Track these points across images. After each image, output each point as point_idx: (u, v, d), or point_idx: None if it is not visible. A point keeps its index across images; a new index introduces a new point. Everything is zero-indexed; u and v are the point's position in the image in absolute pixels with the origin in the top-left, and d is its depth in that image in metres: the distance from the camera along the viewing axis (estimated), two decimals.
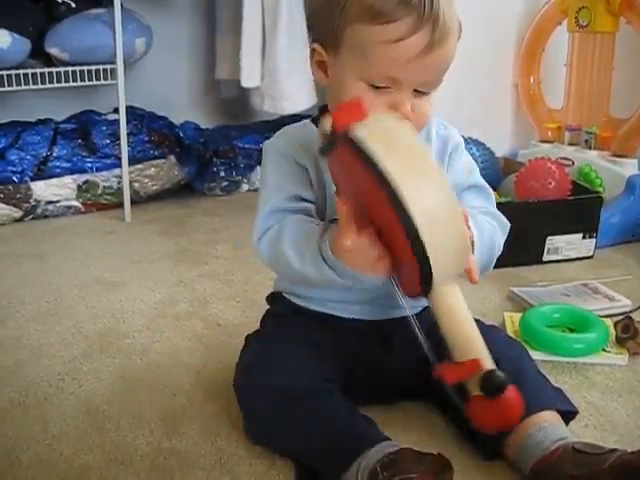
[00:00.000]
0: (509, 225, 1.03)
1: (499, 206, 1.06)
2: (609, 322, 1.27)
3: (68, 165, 1.97)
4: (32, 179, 1.93)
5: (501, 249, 1.01)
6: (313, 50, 0.94)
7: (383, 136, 0.75)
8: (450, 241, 0.74)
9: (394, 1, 0.84)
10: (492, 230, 0.99)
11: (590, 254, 1.71)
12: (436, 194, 0.73)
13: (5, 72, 1.80)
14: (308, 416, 0.90)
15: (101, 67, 1.88)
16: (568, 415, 0.96)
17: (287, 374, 0.93)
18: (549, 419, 0.91)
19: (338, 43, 0.90)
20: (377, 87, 0.89)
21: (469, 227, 0.87)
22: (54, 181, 1.96)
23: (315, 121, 1.00)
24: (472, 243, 0.88)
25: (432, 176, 0.74)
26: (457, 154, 1.03)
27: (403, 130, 0.78)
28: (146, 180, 2.05)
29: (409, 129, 0.79)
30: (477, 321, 1.00)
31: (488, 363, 0.79)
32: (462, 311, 0.81)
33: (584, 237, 1.69)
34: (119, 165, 1.96)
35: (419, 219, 0.71)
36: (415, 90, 0.89)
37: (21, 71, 1.82)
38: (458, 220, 0.75)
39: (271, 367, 0.96)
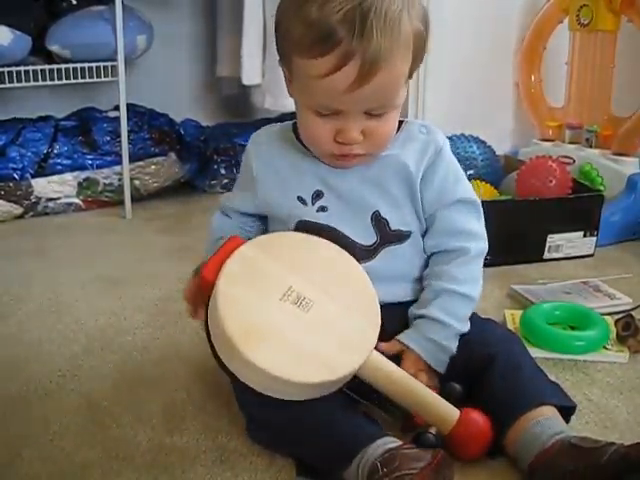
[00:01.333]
0: (486, 248, 1.04)
1: (500, 204, 1.06)
2: (610, 320, 1.27)
3: (69, 162, 1.97)
4: (33, 176, 1.93)
5: (481, 282, 1.03)
6: (282, 68, 0.97)
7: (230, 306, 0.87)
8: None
9: (319, 35, 0.84)
10: (460, 313, 1.00)
11: (591, 252, 1.71)
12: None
13: (6, 69, 1.80)
14: (307, 414, 0.89)
15: (102, 64, 1.88)
16: (567, 410, 0.95)
17: None
18: (546, 413, 0.90)
19: (290, 68, 0.93)
20: (322, 114, 0.91)
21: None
22: (55, 178, 1.96)
23: (295, 125, 1.03)
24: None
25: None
26: (440, 159, 1.02)
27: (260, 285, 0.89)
28: (147, 177, 2.05)
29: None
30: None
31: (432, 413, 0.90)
32: (396, 373, 0.92)
33: (585, 235, 1.69)
34: (120, 162, 1.96)
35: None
36: (367, 113, 0.91)
37: (22, 68, 1.82)
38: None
39: None
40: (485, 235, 1.05)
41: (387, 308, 0.96)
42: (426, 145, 1.01)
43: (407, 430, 0.93)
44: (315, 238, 0.97)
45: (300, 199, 1.01)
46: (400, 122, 1.00)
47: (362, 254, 1.00)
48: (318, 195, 1.00)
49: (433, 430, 0.89)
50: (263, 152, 1.04)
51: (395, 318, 1.00)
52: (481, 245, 1.04)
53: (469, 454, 0.91)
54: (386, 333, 1.00)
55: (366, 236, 1.00)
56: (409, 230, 1.02)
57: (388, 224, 1.01)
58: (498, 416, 0.92)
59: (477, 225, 1.04)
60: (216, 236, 1.08)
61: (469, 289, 1.01)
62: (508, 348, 0.99)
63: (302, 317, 0.88)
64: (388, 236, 1.01)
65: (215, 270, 0.90)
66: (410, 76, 0.94)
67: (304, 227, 1.00)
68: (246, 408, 0.97)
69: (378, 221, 1.00)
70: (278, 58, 0.97)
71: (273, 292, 0.89)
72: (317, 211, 1.00)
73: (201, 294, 0.93)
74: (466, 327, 1.00)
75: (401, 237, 1.01)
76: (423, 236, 1.04)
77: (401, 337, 0.98)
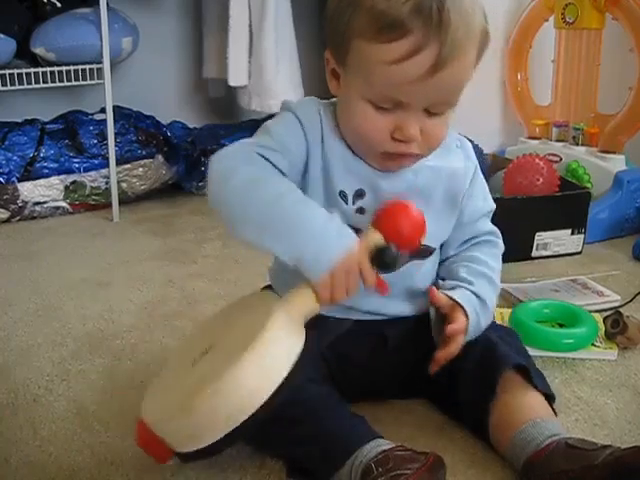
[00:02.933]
0: (503, 247, 1.06)
1: None
2: (598, 317, 1.28)
3: (55, 165, 1.96)
4: (19, 180, 1.91)
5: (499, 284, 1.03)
6: (326, 58, 0.91)
7: None
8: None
9: (392, 20, 0.79)
10: (491, 295, 1.00)
11: (579, 250, 1.71)
12: None
13: None
14: (299, 415, 0.89)
15: (87, 67, 1.87)
16: (548, 399, 0.95)
17: None
18: (541, 414, 0.90)
19: (345, 56, 0.86)
20: (381, 107, 0.85)
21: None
22: (41, 182, 1.94)
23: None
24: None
25: None
26: (477, 176, 1.02)
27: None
28: (134, 180, 2.04)
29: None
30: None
31: None
32: None
33: (573, 233, 1.70)
34: (107, 165, 1.95)
35: None
36: (426, 111, 0.86)
37: (7, 71, 1.81)
38: None
39: None
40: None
41: (392, 322, 0.97)
42: (466, 161, 1.00)
43: None
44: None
45: (342, 195, 0.93)
46: None
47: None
48: (360, 195, 0.94)
49: (393, 247, 0.85)
50: (316, 129, 0.93)
51: (400, 332, 1.00)
52: (502, 246, 1.06)
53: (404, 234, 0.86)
54: (390, 347, 1.00)
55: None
56: (434, 247, 1.01)
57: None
58: (479, 392, 0.93)
59: (491, 233, 1.06)
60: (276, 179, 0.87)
61: (497, 278, 1.02)
62: (493, 332, 1.00)
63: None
64: (418, 250, 0.96)
65: None
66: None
67: None
68: None
69: None
70: (330, 45, 0.89)
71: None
72: (356, 212, 0.94)
73: None
74: (492, 316, 1.01)
75: (426, 253, 1.00)
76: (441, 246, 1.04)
77: (457, 296, 0.96)
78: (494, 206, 1.06)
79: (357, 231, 0.89)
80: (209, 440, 0.77)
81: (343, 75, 0.89)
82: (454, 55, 0.81)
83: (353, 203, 0.94)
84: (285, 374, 0.77)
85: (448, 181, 0.98)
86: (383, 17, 0.79)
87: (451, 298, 0.96)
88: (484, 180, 1.05)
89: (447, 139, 0.96)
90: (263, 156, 0.87)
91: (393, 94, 0.84)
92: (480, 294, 0.97)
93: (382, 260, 0.84)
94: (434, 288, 0.97)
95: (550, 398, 0.96)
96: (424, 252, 0.99)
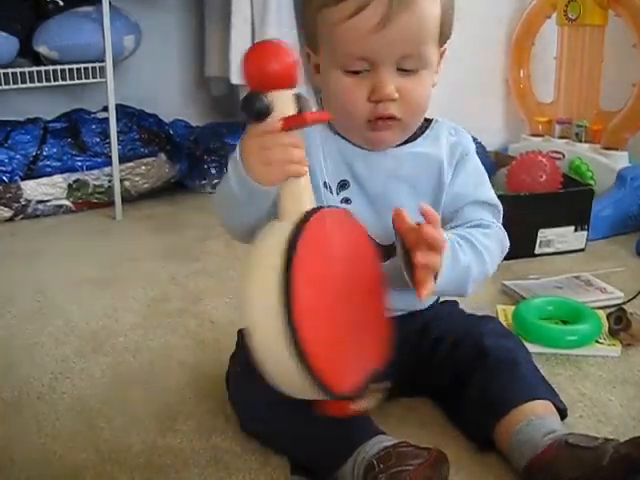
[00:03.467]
0: (506, 239, 1.00)
1: None
2: (602, 314, 1.28)
3: (58, 164, 1.96)
4: (22, 178, 1.92)
5: (493, 268, 0.98)
6: (307, 55, 0.94)
7: None
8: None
9: None
10: (473, 259, 0.93)
11: (582, 247, 1.71)
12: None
13: None
14: (302, 412, 0.89)
15: (90, 65, 1.87)
16: (559, 413, 0.95)
17: None
18: (537, 411, 0.90)
19: (315, 38, 0.91)
20: (356, 72, 0.88)
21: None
22: (44, 180, 1.95)
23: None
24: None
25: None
26: (463, 163, 0.99)
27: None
28: (137, 178, 2.04)
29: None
30: (470, 315, 1.01)
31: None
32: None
33: (576, 230, 1.70)
34: (109, 164, 1.95)
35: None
36: (399, 69, 0.88)
37: (9, 70, 1.81)
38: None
39: None
40: (504, 231, 1.00)
41: (398, 319, 0.93)
42: (455, 147, 0.99)
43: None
44: None
45: (326, 185, 0.96)
46: (430, 120, 0.99)
47: (380, 252, 0.96)
48: (344, 185, 0.96)
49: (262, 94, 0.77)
50: None
51: (406, 329, 0.98)
52: (502, 234, 0.99)
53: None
54: (397, 346, 0.99)
55: (386, 235, 0.96)
56: None
57: None
58: (490, 407, 0.92)
59: (497, 222, 1.00)
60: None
61: (486, 253, 0.94)
62: (506, 344, 0.99)
63: None
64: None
65: None
66: (440, 42, 0.92)
67: None
68: (239, 406, 0.97)
69: None
70: (305, 44, 0.95)
71: None
72: (341, 202, 0.96)
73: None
74: (467, 290, 0.94)
75: None
76: None
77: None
78: (494, 200, 1.01)
79: None
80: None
81: (320, 59, 0.93)
82: (402, 7, 0.84)
83: (337, 193, 0.96)
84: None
85: (433, 168, 0.98)
86: None
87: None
88: (481, 170, 1.02)
89: (440, 127, 0.99)
90: None
91: (356, 50, 0.86)
92: (454, 248, 0.90)
93: (251, 108, 0.77)
94: (400, 210, 0.86)
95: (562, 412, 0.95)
96: None
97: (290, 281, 0.70)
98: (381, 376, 0.83)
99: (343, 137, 0.97)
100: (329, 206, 0.86)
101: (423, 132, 0.98)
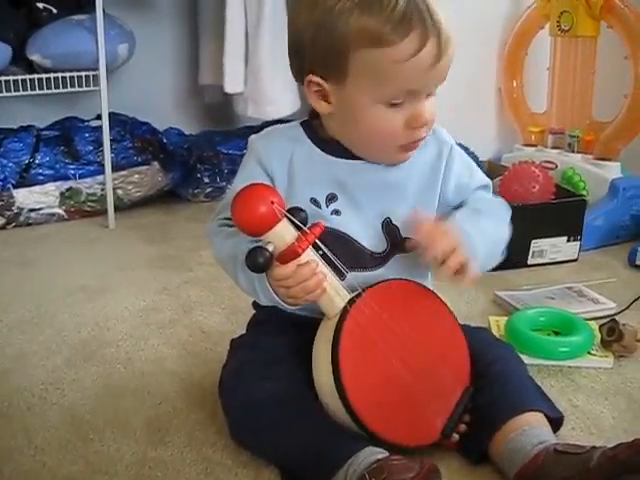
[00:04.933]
0: (509, 209, 1.06)
1: None
2: (594, 325, 1.28)
3: (51, 172, 1.95)
4: (14, 186, 1.91)
5: (506, 237, 1.03)
6: (309, 82, 0.93)
7: None
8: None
9: (394, 23, 0.85)
10: (494, 225, 1.00)
11: (575, 257, 1.71)
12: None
13: None
14: (293, 422, 0.89)
15: (83, 73, 1.87)
16: (555, 422, 0.96)
17: (272, 381, 0.93)
18: (530, 422, 0.90)
19: (343, 71, 0.89)
20: (393, 104, 0.90)
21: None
22: (37, 188, 1.94)
23: (305, 124, 1.00)
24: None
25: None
26: (452, 158, 1.01)
27: None
28: (130, 187, 2.04)
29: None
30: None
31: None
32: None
33: (568, 240, 1.70)
34: (102, 172, 1.95)
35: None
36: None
37: (2, 78, 1.80)
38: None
39: (256, 374, 0.95)
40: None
41: None
42: (439, 147, 1.01)
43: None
44: None
45: (313, 201, 0.97)
46: None
47: (373, 261, 0.99)
48: (332, 198, 0.98)
49: (270, 247, 0.86)
50: (275, 149, 0.99)
51: None
52: (502, 200, 1.06)
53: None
54: None
55: (377, 243, 0.99)
56: None
57: (399, 232, 0.99)
58: (483, 423, 0.92)
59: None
60: (236, 258, 0.94)
61: (495, 217, 1.02)
62: (498, 354, 1.00)
63: None
64: (399, 244, 0.99)
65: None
66: None
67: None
68: (231, 416, 0.97)
69: (389, 228, 0.99)
70: (296, 67, 0.95)
71: None
72: (331, 214, 0.97)
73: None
74: (503, 233, 1.02)
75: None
76: None
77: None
78: (488, 181, 1.06)
79: (335, 232, 0.96)
80: None
81: (339, 91, 0.91)
82: (449, 40, 0.89)
83: (327, 206, 0.97)
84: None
85: (421, 171, 0.99)
86: (387, 22, 0.85)
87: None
88: (467, 158, 1.04)
89: None
90: (226, 224, 0.98)
91: (409, 86, 0.89)
92: (468, 222, 0.96)
93: (256, 264, 0.86)
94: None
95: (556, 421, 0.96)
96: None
97: (335, 359, 0.88)
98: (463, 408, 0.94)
99: (325, 150, 0.98)
100: (370, 286, 0.94)
101: None
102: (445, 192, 1.00)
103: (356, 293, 0.92)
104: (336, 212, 0.97)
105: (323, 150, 0.98)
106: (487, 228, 0.97)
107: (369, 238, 0.98)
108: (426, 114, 0.91)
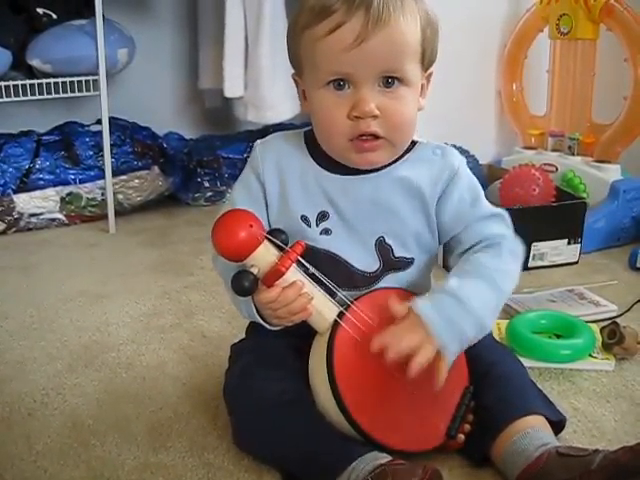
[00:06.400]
0: (521, 248, 0.98)
1: None
2: (595, 328, 1.28)
3: (51, 177, 1.95)
4: (15, 191, 1.91)
5: (513, 284, 0.95)
6: (295, 81, 0.96)
7: None
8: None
9: (321, 4, 0.87)
10: (494, 287, 0.92)
11: (575, 260, 1.71)
12: None
13: None
14: (296, 425, 0.89)
15: (83, 78, 1.87)
16: (557, 425, 0.96)
17: (275, 383, 0.93)
18: (533, 424, 0.90)
19: (300, 62, 0.93)
20: (338, 89, 0.89)
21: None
22: (37, 193, 1.94)
23: (308, 133, 0.99)
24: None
25: None
26: (454, 183, 0.96)
27: None
28: (130, 191, 2.04)
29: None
30: None
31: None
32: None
33: (569, 243, 1.70)
34: (103, 177, 1.95)
35: None
36: (381, 88, 0.89)
37: (2, 83, 1.81)
38: None
39: (259, 377, 0.95)
40: (517, 238, 0.98)
41: None
42: (440, 169, 0.96)
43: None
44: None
45: (304, 219, 0.96)
46: (413, 143, 0.98)
47: (364, 281, 0.97)
48: (323, 216, 0.96)
49: (254, 270, 0.87)
50: (272, 160, 0.98)
51: None
52: (513, 243, 0.97)
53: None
54: None
55: (369, 263, 0.97)
56: (412, 257, 0.98)
57: (392, 251, 0.97)
58: (486, 425, 0.92)
59: (505, 229, 0.98)
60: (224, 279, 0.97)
61: (499, 277, 0.93)
62: (498, 357, 1.00)
63: None
64: (391, 263, 0.97)
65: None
66: (424, 64, 0.93)
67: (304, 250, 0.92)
68: (234, 416, 0.97)
69: (382, 247, 0.97)
70: (292, 71, 0.97)
71: None
72: (320, 234, 0.96)
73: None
74: (489, 319, 0.92)
75: (404, 264, 0.98)
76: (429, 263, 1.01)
77: (414, 304, 0.90)
78: (498, 211, 0.99)
79: (325, 253, 0.95)
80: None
81: (304, 84, 0.95)
82: (378, 26, 0.86)
83: (317, 225, 0.96)
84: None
85: (413, 192, 0.96)
86: (317, 6, 0.88)
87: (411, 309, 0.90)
88: (474, 185, 0.99)
89: (422, 148, 0.98)
90: None
91: (334, 65, 0.88)
92: (452, 291, 0.90)
93: (242, 288, 0.87)
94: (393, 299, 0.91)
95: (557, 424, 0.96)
96: (402, 264, 0.98)
97: (332, 375, 0.88)
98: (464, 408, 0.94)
99: (321, 165, 0.97)
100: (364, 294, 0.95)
101: (403, 155, 0.97)
102: (442, 217, 0.97)
103: (345, 306, 0.92)
104: (326, 231, 0.96)
105: (318, 164, 0.97)
106: (482, 299, 0.91)
107: (361, 258, 0.97)
108: (365, 106, 0.88)
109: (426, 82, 0.96)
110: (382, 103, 0.89)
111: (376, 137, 0.90)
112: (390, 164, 0.96)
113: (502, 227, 0.98)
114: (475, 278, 0.92)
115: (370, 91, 0.88)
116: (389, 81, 0.89)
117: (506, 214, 1.00)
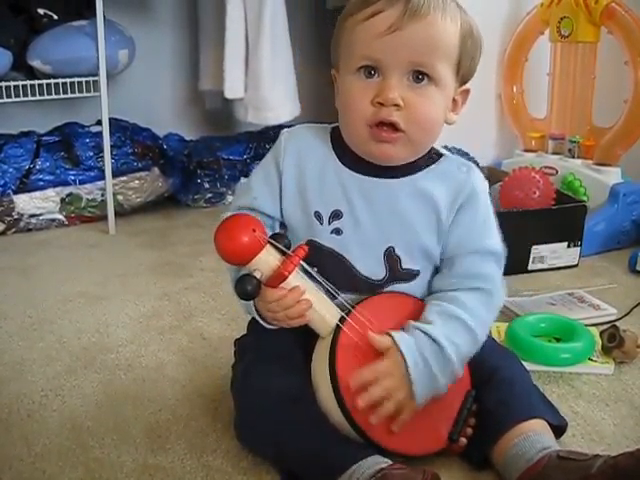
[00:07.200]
0: (502, 299, 0.98)
1: None
2: (595, 331, 1.28)
3: (51, 178, 1.95)
4: (15, 192, 1.91)
5: (484, 336, 0.95)
6: (334, 78, 0.97)
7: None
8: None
9: None
10: (469, 335, 0.92)
11: (575, 263, 1.71)
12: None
13: None
14: (299, 424, 0.89)
15: (84, 79, 1.87)
16: (558, 430, 0.96)
17: (279, 380, 0.92)
18: (534, 428, 0.90)
19: (339, 52, 0.94)
20: (368, 77, 0.89)
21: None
22: (37, 194, 1.94)
23: (335, 129, 0.99)
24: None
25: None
26: (470, 204, 0.95)
27: None
28: (130, 192, 2.04)
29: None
30: None
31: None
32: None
33: (569, 246, 1.70)
34: (103, 178, 1.95)
35: None
36: (409, 82, 0.89)
37: (3, 84, 1.81)
38: None
39: (263, 373, 0.94)
40: (503, 289, 0.98)
41: None
42: (462, 186, 0.95)
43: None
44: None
45: (317, 215, 0.95)
46: (440, 155, 0.97)
47: (366, 287, 0.96)
48: (336, 215, 0.95)
49: (257, 274, 0.88)
50: (294, 151, 0.98)
51: None
52: (499, 296, 0.97)
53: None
54: None
55: (375, 271, 0.96)
56: (418, 270, 0.97)
57: (400, 262, 0.96)
58: (488, 428, 0.92)
59: (497, 271, 0.97)
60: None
61: (479, 328, 0.93)
62: (501, 362, 0.99)
63: None
64: (398, 274, 0.96)
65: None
66: (458, 74, 0.93)
67: (311, 247, 0.92)
68: (238, 412, 0.97)
69: (391, 258, 0.95)
70: (332, 57, 0.97)
71: None
72: (331, 232, 0.95)
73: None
74: (461, 370, 0.92)
75: (410, 276, 0.97)
76: (433, 275, 0.99)
77: (395, 335, 0.89)
78: (497, 248, 0.97)
79: (331, 252, 0.95)
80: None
81: (339, 76, 0.95)
82: (414, 17, 0.87)
83: (329, 223, 0.95)
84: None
85: (429, 206, 0.95)
86: None
87: (391, 337, 0.89)
88: (489, 216, 0.97)
89: (449, 162, 0.97)
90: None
91: (366, 50, 0.89)
92: (436, 337, 0.89)
93: (245, 291, 0.89)
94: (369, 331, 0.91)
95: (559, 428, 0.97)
96: (408, 275, 0.97)
97: (334, 378, 0.89)
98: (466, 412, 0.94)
99: (343, 161, 0.96)
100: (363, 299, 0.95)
101: (428, 165, 0.96)
102: (447, 238, 0.96)
103: (347, 310, 0.92)
104: (337, 231, 0.95)
105: (341, 160, 0.96)
106: (463, 352, 0.91)
107: (367, 264, 0.96)
108: (390, 93, 0.87)
109: (461, 99, 0.96)
110: (408, 97, 0.89)
111: (395, 129, 0.90)
112: (413, 172, 0.95)
113: (496, 269, 0.97)
114: (463, 329, 0.92)
115: (398, 82, 0.89)
116: (419, 77, 0.89)
117: (504, 254, 0.98)
